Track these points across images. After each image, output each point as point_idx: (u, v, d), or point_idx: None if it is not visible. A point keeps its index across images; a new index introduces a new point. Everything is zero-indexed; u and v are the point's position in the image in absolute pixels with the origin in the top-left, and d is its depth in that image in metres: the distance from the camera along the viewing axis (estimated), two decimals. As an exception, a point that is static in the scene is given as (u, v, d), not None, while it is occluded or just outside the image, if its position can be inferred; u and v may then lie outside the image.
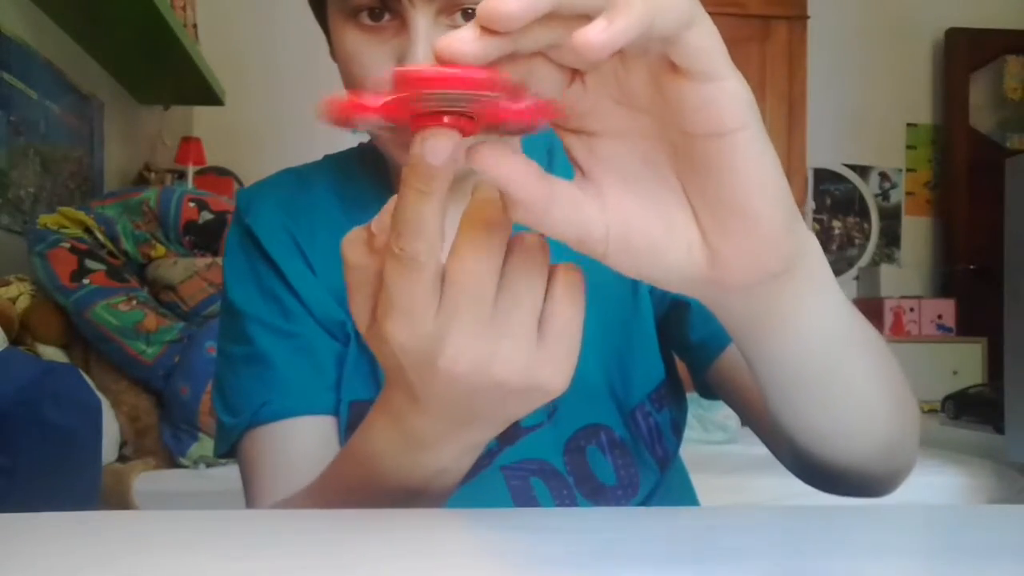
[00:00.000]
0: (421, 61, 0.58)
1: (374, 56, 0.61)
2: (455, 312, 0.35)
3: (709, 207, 0.35)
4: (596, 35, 0.28)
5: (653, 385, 0.72)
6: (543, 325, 0.36)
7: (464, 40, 0.29)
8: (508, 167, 0.32)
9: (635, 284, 0.71)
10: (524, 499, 0.68)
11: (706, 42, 0.31)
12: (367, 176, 0.74)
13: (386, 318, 0.36)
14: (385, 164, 0.74)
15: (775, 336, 0.41)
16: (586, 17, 0.29)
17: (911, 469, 0.57)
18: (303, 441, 0.66)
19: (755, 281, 0.37)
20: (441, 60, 0.29)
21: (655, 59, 0.32)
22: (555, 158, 0.72)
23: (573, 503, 0.69)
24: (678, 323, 0.71)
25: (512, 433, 0.69)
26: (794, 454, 0.53)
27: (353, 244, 0.37)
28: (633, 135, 0.35)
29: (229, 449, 0.69)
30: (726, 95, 0.32)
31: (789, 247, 0.37)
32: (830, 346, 0.43)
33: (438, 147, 0.31)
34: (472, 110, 0.30)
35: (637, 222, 0.35)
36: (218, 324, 0.75)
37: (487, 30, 0.29)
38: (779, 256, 0.37)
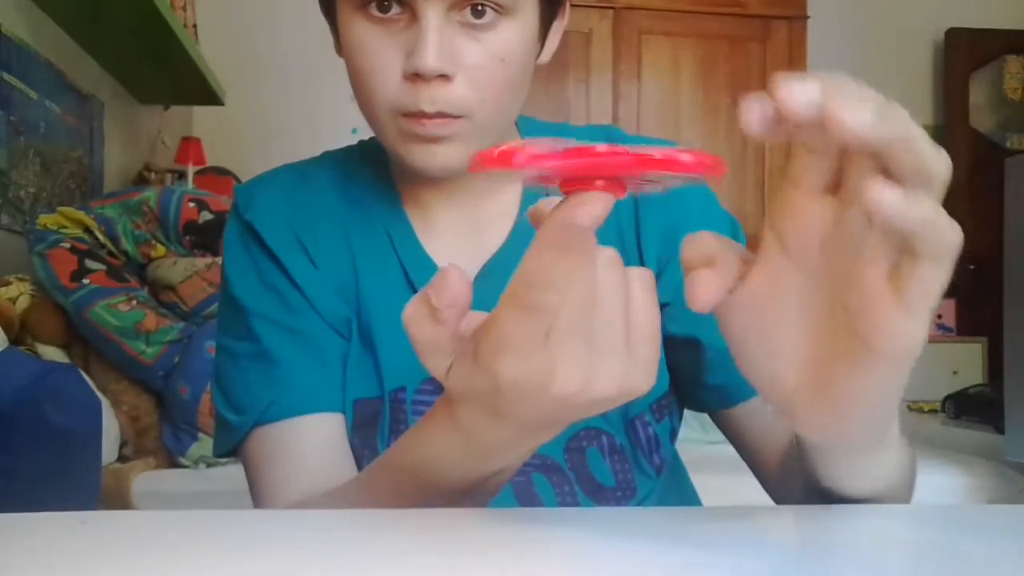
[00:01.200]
0: (430, 56, 0.59)
1: (382, 48, 0.62)
2: (563, 342, 0.36)
3: (821, 373, 0.37)
4: (856, 121, 0.30)
5: (655, 396, 0.72)
6: (630, 332, 0.37)
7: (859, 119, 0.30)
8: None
9: None
10: (526, 495, 0.68)
11: (935, 284, 0.32)
12: (368, 172, 0.74)
13: (499, 358, 0.36)
14: (386, 160, 0.73)
15: (834, 475, 0.48)
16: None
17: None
18: (312, 440, 0.65)
19: (821, 446, 0.44)
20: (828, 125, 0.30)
21: (875, 259, 0.33)
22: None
23: (575, 500, 0.69)
24: (690, 360, 0.70)
25: None
26: (806, 497, 0.56)
27: (417, 322, 0.38)
28: (812, 270, 0.37)
29: (232, 448, 0.68)
30: (912, 332, 0.33)
31: (867, 444, 0.43)
32: (880, 483, 0.49)
33: (594, 212, 0.32)
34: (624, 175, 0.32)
35: (763, 317, 0.38)
36: (218, 320, 0.74)
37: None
38: (853, 446, 0.43)
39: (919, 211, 0.31)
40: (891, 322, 0.33)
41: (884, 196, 0.30)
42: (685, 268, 0.38)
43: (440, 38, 0.60)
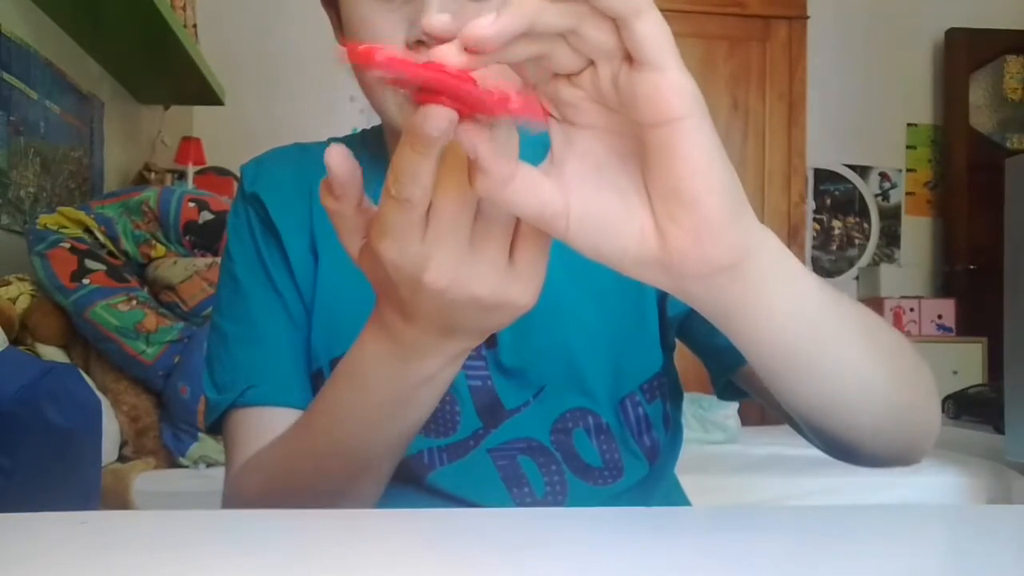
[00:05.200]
0: (435, 19, 0.60)
1: (385, 21, 0.63)
2: (438, 237, 0.40)
3: (658, 193, 0.39)
4: (481, 30, 0.35)
5: (646, 376, 0.72)
6: (514, 251, 0.42)
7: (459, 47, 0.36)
8: (480, 143, 0.37)
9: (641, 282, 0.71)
10: (513, 478, 0.69)
11: (652, 31, 0.36)
12: (368, 158, 0.75)
13: (380, 241, 0.41)
14: (384, 149, 0.75)
15: (747, 325, 0.44)
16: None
17: (934, 435, 0.58)
18: (278, 433, 0.65)
19: (704, 271, 0.40)
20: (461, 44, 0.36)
21: (618, 60, 0.37)
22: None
23: (562, 480, 0.69)
24: (702, 326, 0.69)
25: (497, 415, 0.69)
26: (810, 431, 0.55)
27: (324, 197, 0.42)
28: (605, 130, 0.40)
29: (213, 424, 0.70)
30: (670, 85, 0.36)
31: (735, 237, 0.40)
32: (809, 330, 0.45)
33: (439, 122, 0.36)
34: (466, 100, 0.36)
35: (595, 205, 0.40)
36: (216, 297, 0.75)
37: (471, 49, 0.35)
38: (725, 246, 0.40)
39: (506, 19, 0.35)
40: (651, 85, 0.36)
41: (475, 33, 0.35)
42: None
43: (443, 6, 0.61)
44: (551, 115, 0.40)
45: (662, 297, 0.72)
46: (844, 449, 0.56)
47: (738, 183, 0.40)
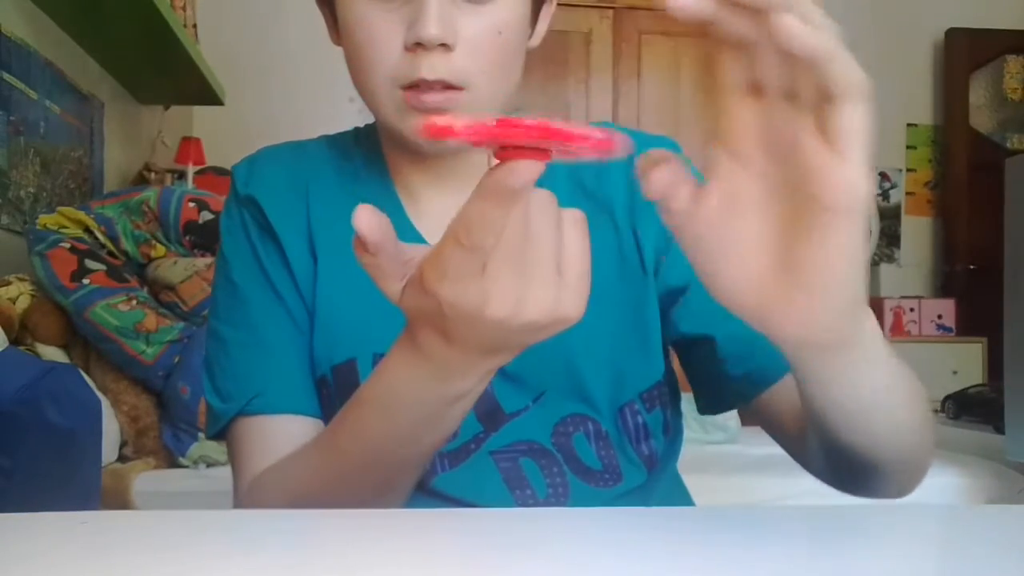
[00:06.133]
0: (432, 23, 0.61)
1: (382, 22, 0.63)
2: (497, 272, 0.41)
3: (786, 260, 0.40)
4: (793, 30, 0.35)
5: (647, 385, 0.72)
6: (561, 266, 0.42)
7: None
8: (671, 184, 0.40)
9: (643, 287, 0.71)
10: (515, 480, 0.68)
11: (853, 123, 0.36)
12: (363, 155, 0.75)
13: (439, 284, 0.41)
14: (379, 147, 0.74)
15: (821, 389, 0.48)
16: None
17: (926, 470, 0.61)
18: (288, 442, 0.65)
19: (796, 344, 0.44)
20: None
21: (804, 124, 0.37)
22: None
23: (564, 481, 0.69)
24: (708, 357, 0.70)
25: (496, 419, 0.69)
26: (827, 461, 0.58)
27: (358, 253, 0.42)
28: (762, 174, 0.40)
29: (218, 434, 0.69)
30: (847, 178, 0.37)
31: (838, 329, 0.42)
32: (874, 397, 0.49)
33: (526, 176, 0.37)
34: (548, 146, 0.37)
35: (724, 231, 0.41)
36: (212, 302, 0.73)
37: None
38: (825, 331, 0.42)
39: (820, 38, 0.35)
40: (830, 170, 0.37)
41: (787, 20, 0.35)
42: (640, 173, 0.42)
43: (440, 8, 0.61)
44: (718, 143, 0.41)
45: (666, 309, 0.72)
46: (853, 478, 0.59)
47: (863, 281, 0.41)
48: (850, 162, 0.37)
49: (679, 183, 0.41)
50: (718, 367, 0.69)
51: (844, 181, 0.37)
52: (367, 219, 0.40)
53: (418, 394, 0.49)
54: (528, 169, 0.37)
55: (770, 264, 0.41)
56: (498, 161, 0.38)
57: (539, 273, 0.42)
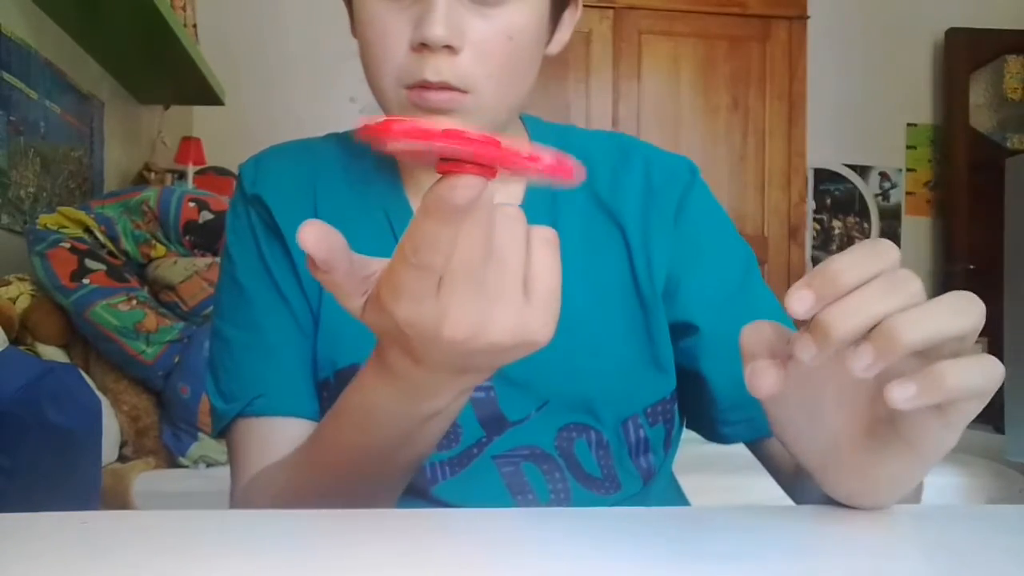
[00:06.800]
0: (438, 25, 0.61)
1: (392, 20, 0.63)
2: (453, 291, 0.39)
3: (858, 462, 0.45)
4: (903, 397, 0.38)
5: (651, 401, 0.72)
6: (527, 284, 0.40)
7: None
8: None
9: (654, 304, 0.71)
10: (517, 485, 0.68)
11: (971, 413, 0.41)
12: (374, 155, 0.74)
13: (394, 303, 0.39)
14: None
15: (863, 502, 0.51)
16: None
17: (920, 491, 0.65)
18: (287, 444, 0.64)
19: (846, 499, 0.49)
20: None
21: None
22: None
23: (566, 487, 0.69)
24: (706, 393, 0.72)
25: (499, 426, 0.69)
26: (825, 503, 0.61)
27: (312, 270, 0.40)
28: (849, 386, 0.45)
29: (220, 433, 0.69)
30: (943, 443, 0.43)
31: (886, 504, 0.48)
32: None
33: (468, 192, 0.35)
34: (493, 164, 0.35)
35: (806, 396, 0.45)
36: (216, 302, 0.73)
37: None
38: (876, 505, 0.48)
39: (954, 381, 0.38)
40: (933, 433, 0.41)
41: (899, 394, 0.38)
42: (745, 358, 0.43)
43: (448, 10, 0.61)
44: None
45: (674, 337, 0.72)
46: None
47: (919, 489, 0.49)
48: (955, 432, 0.41)
49: (781, 384, 0.42)
50: (712, 410, 0.71)
51: (942, 442, 0.42)
52: (314, 235, 0.37)
53: (390, 411, 0.47)
54: (470, 185, 0.35)
55: (843, 444, 0.45)
56: (440, 175, 0.35)
57: (503, 293, 0.39)
